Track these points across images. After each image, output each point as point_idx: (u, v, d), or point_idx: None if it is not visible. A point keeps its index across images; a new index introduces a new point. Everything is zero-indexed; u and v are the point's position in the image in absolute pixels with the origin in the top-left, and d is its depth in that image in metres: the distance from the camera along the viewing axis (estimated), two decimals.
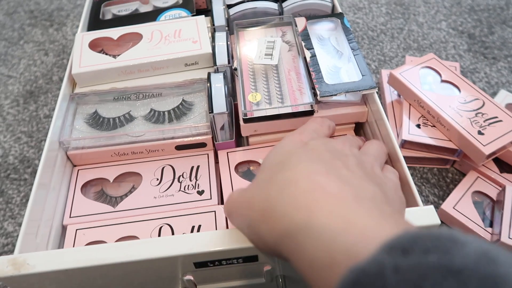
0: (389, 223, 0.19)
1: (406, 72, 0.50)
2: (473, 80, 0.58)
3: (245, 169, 0.42)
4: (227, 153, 0.42)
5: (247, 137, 0.43)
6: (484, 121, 0.44)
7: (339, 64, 0.44)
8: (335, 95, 0.39)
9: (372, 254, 0.17)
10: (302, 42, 0.45)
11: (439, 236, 0.16)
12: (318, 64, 0.43)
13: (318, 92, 0.40)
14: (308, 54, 0.44)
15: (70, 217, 0.38)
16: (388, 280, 0.15)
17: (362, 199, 0.21)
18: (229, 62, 0.44)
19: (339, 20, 0.48)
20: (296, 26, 0.48)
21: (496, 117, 0.45)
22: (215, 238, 0.28)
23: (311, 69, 0.42)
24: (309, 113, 0.40)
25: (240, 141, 0.46)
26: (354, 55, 0.44)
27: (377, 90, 0.41)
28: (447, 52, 0.63)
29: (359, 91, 0.40)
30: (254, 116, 0.40)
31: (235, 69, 0.44)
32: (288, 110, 0.40)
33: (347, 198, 0.21)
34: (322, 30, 0.48)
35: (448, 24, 0.68)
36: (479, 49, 0.63)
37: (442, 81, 0.50)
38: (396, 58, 0.62)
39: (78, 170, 0.41)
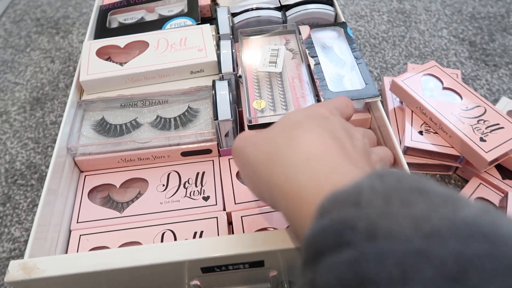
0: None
1: (408, 79, 0.50)
2: (474, 87, 0.59)
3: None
4: (229, 159, 0.42)
5: None
6: (486, 128, 0.45)
7: (342, 73, 0.44)
8: None
9: (356, 179, 0.19)
10: (306, 50, 0.46)
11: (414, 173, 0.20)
12: (322, 72, 0.43)
13: (322, 99, 0.40)
14: (312, 62, 0.45)
15: (77, 222, 0.39)
16: (363, 196, 0.18)
17: (358, 162, 0.24)
18: (234, 70, 0.45)
19: (342, 30, 0.49)
20: (300, 34, 0.48)
21: (498, 124, 0.45)
22: (223, 243, 0.28)
23: (315, 77, 0.43)
24: None
25: None
26: (357, 63, 0.44)
27: (380, 98, 0.41)
28: (448, 59, 0.63)
29: (363, 99, 0.41)
30: (259, 123, 0.40)
31: (240, 76, 0.45)
32: None
33: (343, 157, 0.23)
34: (325, 38, 0.49)
35: (449, 32, 0.68)
36: (480, 57, 0.64)
37: (444, 88, 0.50)
38: (398, 66, 0.63)
39: (85, 176, 0.42)
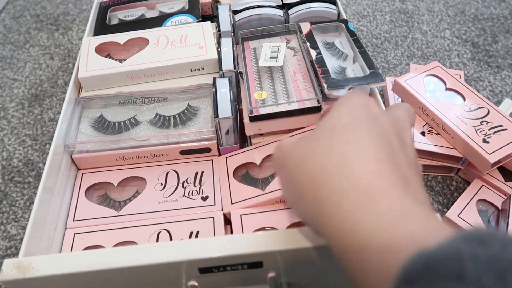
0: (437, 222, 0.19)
1: (410, 80, 0.50)
2: (477, 88, 0.58)
3: (244, 172, 0.42)
4: (226, 158, 0.42)
5: (250, 140, 0.43)
6: (489, 130, 0.44)
7: (344, 65, 0.44)
8: (343, 87, 0.39)
9: (447, 240, 0.16)
10: (307, 42, 0.45)
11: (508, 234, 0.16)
12: (324, 61, 0.43)
13: (325, 86, 0.40)
14: (313, 53, 0.44)
15: (73, 220, 0.38)
16: (467, 267, 0.14)
17: (412, 190, 0.21)
18: (234, 68, 0.44)
19: (343, 25, 0.48)
20: (301, 33, 0.48)
21: (501, 126, 0.45)
22: (221, 244, 0.28)
23: (318, 66, 0.42)
24: (316, 109, 0.40)
25: (244, 146, 0.46)
26: (360, 54, 0.44)
27: (381, 98, 0.41)
28: (451, 60, 0.63)
29: (367, 84, 0.40)
30: (260, 113, 0.40)
31: (241, 72, 0.45)
32: (295, 106, 0.40)
33: (404, 190, 0.20)
34: (326, 34, 0.48)
35: (452, 33, 0.68)
36: (483, 58, 0.63)
37: (447, 89, 0.50)
38: (400, 66, 0.62)
39: (83, 173, 0.41)
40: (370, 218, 0.19)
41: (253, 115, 0.40)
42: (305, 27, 0.48)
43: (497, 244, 0.15)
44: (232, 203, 0.38)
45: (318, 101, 0.40)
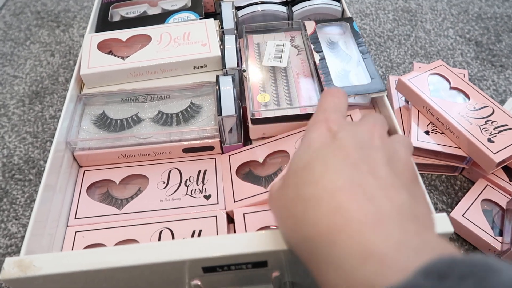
0: (412, 247, 0.18)
1: (414, 79, 0.49)
2: (480, 87, 0.58)
3: (247, 171, 0.41)
4: (229, 156, 0.41)
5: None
6: (494, 129, 0.44)
7: (348, 68, 0.44)
8: None
9: (407, 278, 0.16)
10: (312, 45, 0.45)
11: (474, 262, 0.16)
12: (327, 67, 0.42)
13: None
14: (317, 57, 0.44)
15: (75, 218, 0.38)
16: None
17: (386, 219, 0.20)
18: (238, 65, 0.44)
19: (348, 24, 0.48)
20: (305, 30, 0.47)
21: (506, 125, 0.44)
22: (226, 242, 0.28)
23: (320, 72, 0.42)
24: None
25: (247, 144, 0.45)
26: (363, 58, 0.43)
27: (386, 93, 0.40)
28: (454, 59, 0.63)
29: (368, 94, 0.40)
30: (262, 116, 0.40)
31: (244, 70, 0.44)
32: (297, 111, 0.39)
33: (368, 223, 0.20)
34: (331, 33, 0.48)
35: (455, 32, 0.68)
36: (486, 57, 0.63)
37: (451, 88, 0.50)
38: (403, 65, 0.62)
39: (84, 171, 0.41)
40: (331, 267, 0.20)
41: (255, 118, 0.39)
42: (310, 26, 0.48)
43: (454, 278, 0.15)
44: (234, 201, 0.38)
45: None
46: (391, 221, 0.20)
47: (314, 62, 0.44)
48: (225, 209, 0.38)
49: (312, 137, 0.24)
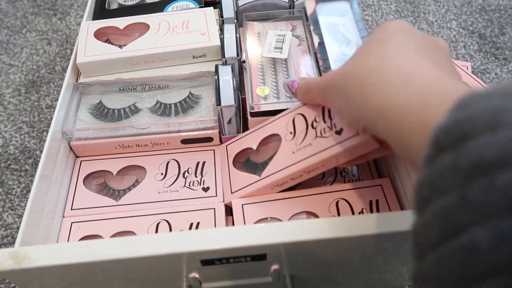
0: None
1: None
2: (483, 80, 0.57)
3: (246, 159, 0.40)
4: (226, 146, 0.41)
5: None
6: None
7: (347, 52, 0.43)
8: None
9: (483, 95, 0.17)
10: (311, 26, 0.44)
11: None
12: (326, 52, 0.41)
13: None
14: (316, 39, 0.43)
15: (71, 209, 0.37)
16: (505, 115, 0.14)
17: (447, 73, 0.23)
18: (237, 55, 0.43)
19: (349, 4, 0.47)
20: (307, 20, 0.46)
21: None
22: (225, 235, 0.27)
23: (319, 56, 0.41)
24: None
25: None
26: (362, 40, 0.43)
27: None
28: (457, 51, 0.62)
29: None
30: (261, 110, 0.39)
31: (244, 61, 0.43)
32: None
33: (438, 75, 0.22)
34: (331, 14, 0.47)
35: (458, 24, 0.67)
36: (489, 50, 0.62)
37: None
38: None
39: (81, 161, 0.40)
40: (409, 90, 0.21)
41: (254, 111, 0.39)
42: (310, 6, 0.47)
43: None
44: (232, 193, 0.37)
45: None
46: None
47: (315, 53, 0.43)
48: (223, 201, 0.37)
49: (388, 24, 0.27)
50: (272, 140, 0.39)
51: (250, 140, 0.40)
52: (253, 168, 0.39)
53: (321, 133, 0.33)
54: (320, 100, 0.32)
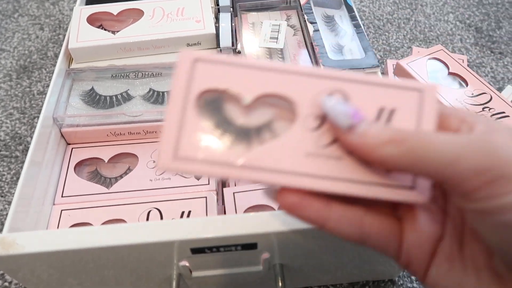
0: None
1: (413, 63, 0.48)
2: (479, 74, 0.57)
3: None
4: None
5: None
6: (491, 116, 0.43)
7: (342, 43, 0.43)
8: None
9: None
10: (305, 15, 0.44)
11: None
12: (321, 39, 0.41)
13: (322, 67, 0.38)
14: (311, 28, 0.42)
15: (62, 196, 0.37)
16: None
17: None
18: (233, 45, 0.42)
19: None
20: (302, 10, 0.46)
21: (503, 112, 0.44)
22: (215, 224, 0.27)
23: (315, 43, 0.41)
24: None
25: None
26: (357, 33, 0.42)
27: (380, 69, 0.40)
28: (453, 44, 0.62)
29: (362, 69, 0.39)
30: None
31: (239, 52, 0.43)
32: None
33: None
34: (326, 7, 0.47)
35: (455, 17, 0.66)
36: (486, 43, 0.62)
37: (449, 73, 0.49)
38: (402, 49, 0.61)
39: (72, 148, 0.40)
40: None
41: None
42: None
43: None
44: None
45: None
46: None
47: (312, 43, 0.42)
48: (216, 190, 0.37)
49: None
50: (272, 100, 0.21)
51: (237, 80, 0.21)
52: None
53: None
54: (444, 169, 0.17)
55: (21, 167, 0.46)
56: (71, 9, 0.67)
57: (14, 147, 0.49)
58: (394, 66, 0.50)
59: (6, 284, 0.38)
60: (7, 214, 0.42)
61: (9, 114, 0.52)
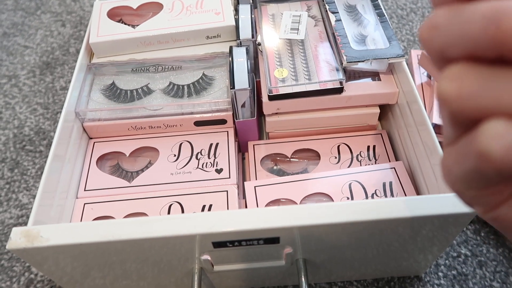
0: None
1: None
2: None
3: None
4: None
5: (265, 116, 0.41)
6: None
7: (365, 32, 0.41)
8: (362, 61, 0.37)
9: None
10: (327, 5, 0.43)
11: None
12: (343, 29, 0.40)
13: (344, 57, 0.37)
14: (333, 18, 0.41)
15: (85, 190, 0.37)
16: None
17: None
18: (253, 37, 0.42)
19: None
20: (323, 0, 0.45)
21: None
22: (238, 217, 0.27)
23: (337, 34, 0.40)
24: (338, 90, 0.38)
25: (260, 120, 0.44)
26: (380, 22, 0.41)
27: (405, 58, 0.38)
28: None
29: (387, 58, 0.38)
30: (280, 93, 0.38)
31: (259, 44, 0.42)
32: (316, 87, 0.38)
33: None
34: None
35: None
36: None
37: None
38: None
39: (94, 142, 0.40)
40: None
41: (272, 94, 0.38)
42: None
43: None
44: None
45: (340, 82, 0.38)
46: None
47: (333, 33, 0.41)
48: (237, 183, 0.37)
49: None
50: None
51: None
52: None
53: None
54: None
55: (45, 162, 0.47)
56: (92, 5, 0.68)
57: (38, 142, 0.49)
58: (419, 56, 0.48)
59: (32, 276, 0.38)
60: (32, 208, 0.43)
61: (33, 109, 0.53)
